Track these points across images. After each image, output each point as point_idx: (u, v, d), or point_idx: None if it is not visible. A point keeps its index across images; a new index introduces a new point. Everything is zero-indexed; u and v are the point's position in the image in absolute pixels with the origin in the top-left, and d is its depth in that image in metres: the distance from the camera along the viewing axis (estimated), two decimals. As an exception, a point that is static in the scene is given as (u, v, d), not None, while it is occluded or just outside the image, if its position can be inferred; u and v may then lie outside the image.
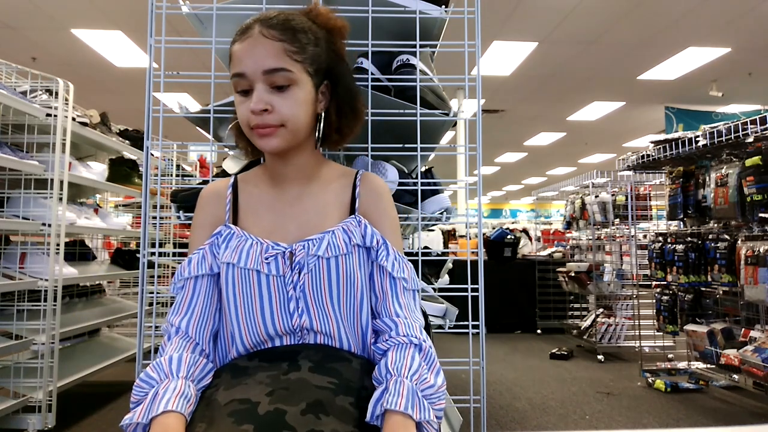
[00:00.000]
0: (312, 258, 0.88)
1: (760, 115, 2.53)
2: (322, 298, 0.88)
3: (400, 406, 0.75)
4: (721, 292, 3.13)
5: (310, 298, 0.88)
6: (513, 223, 11.87)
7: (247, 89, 0.88)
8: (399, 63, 1.61)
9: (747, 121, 2.59)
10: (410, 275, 0.95)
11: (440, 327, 1.66)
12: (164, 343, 0.88)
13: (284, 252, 0.89)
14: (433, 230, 6.26)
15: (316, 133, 0.97)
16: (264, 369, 0.82)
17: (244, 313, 0.88)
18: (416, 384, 0.79)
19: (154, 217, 1.62)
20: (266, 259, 0.88)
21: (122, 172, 3.11)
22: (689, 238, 3.22)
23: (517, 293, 5.53)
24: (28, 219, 2.37)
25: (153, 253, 1.57)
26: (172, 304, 0.93)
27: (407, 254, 1.04)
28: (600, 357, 4.21)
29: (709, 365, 3.15)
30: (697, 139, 2.93)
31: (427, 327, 1.48)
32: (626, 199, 4.38)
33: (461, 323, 1.60)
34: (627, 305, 4.58)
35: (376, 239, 0.93)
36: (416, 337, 0.87)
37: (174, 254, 3.14)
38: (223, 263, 0.90)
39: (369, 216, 0.96)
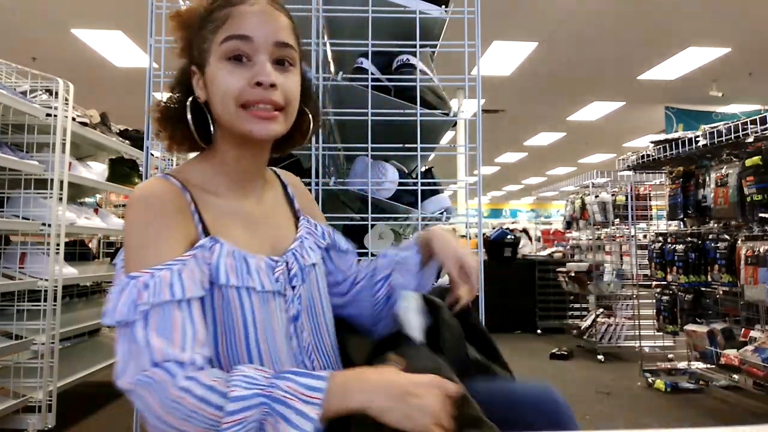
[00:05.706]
0: (308, 268, 0.85)
1: (760, 115, 2.53)
2: (316, 308, 0.86)
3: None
4: (721, 292, 3.12)
5: (308, 311, 0.84)
6: (513, 223, 11.84)
7: (242, 56, 0.76)
8: (399, 63, 1.61)
9: (747, 121, 2.59)
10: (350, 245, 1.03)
11: (440, 327, 1.66)
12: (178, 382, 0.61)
13: (282, 266, 0.81)
14: (433, 230, 6.25)
15: (309, 126, 0.89)
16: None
17: (266, 343, 0.76)
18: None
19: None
20: (277, 279, 0.79)
21: (122, 172, 3.12)
22: (689, 238, 3.21)
23: (517, 293, 5.52)
24: (28, 219, 2.37)
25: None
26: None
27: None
28: (600, 357, 4.21)
29: (709, 365, 3.14)
30: (697, 139, 2.93)
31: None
32: (626, 199, 4.38)
33: (461, 323, 1.60)
34: (627, 305, 4.58)
35: (327, 232, 0.95)
36: None
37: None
38: (231, 287, 0.74)
39: (305, 211, 0.95)
